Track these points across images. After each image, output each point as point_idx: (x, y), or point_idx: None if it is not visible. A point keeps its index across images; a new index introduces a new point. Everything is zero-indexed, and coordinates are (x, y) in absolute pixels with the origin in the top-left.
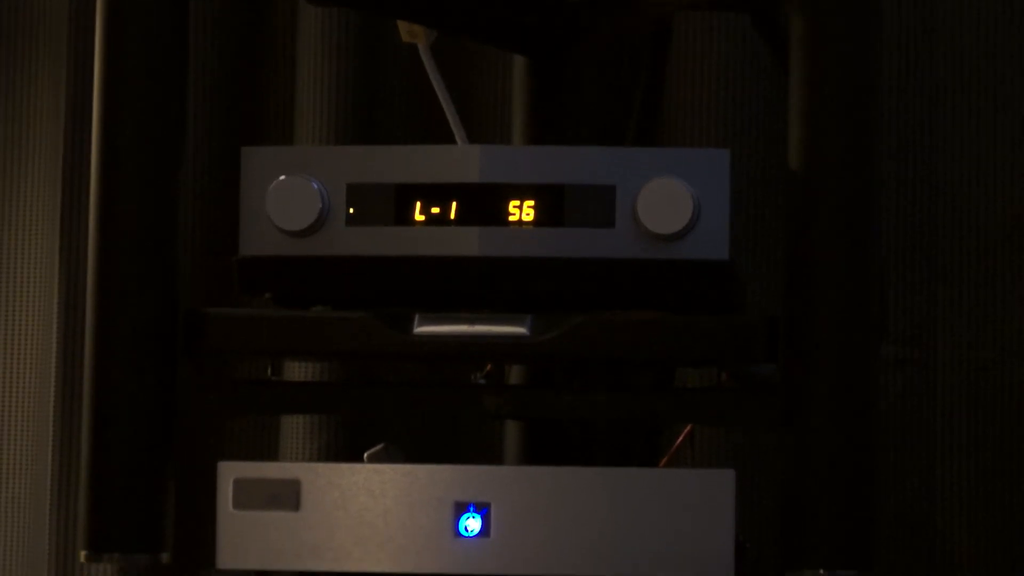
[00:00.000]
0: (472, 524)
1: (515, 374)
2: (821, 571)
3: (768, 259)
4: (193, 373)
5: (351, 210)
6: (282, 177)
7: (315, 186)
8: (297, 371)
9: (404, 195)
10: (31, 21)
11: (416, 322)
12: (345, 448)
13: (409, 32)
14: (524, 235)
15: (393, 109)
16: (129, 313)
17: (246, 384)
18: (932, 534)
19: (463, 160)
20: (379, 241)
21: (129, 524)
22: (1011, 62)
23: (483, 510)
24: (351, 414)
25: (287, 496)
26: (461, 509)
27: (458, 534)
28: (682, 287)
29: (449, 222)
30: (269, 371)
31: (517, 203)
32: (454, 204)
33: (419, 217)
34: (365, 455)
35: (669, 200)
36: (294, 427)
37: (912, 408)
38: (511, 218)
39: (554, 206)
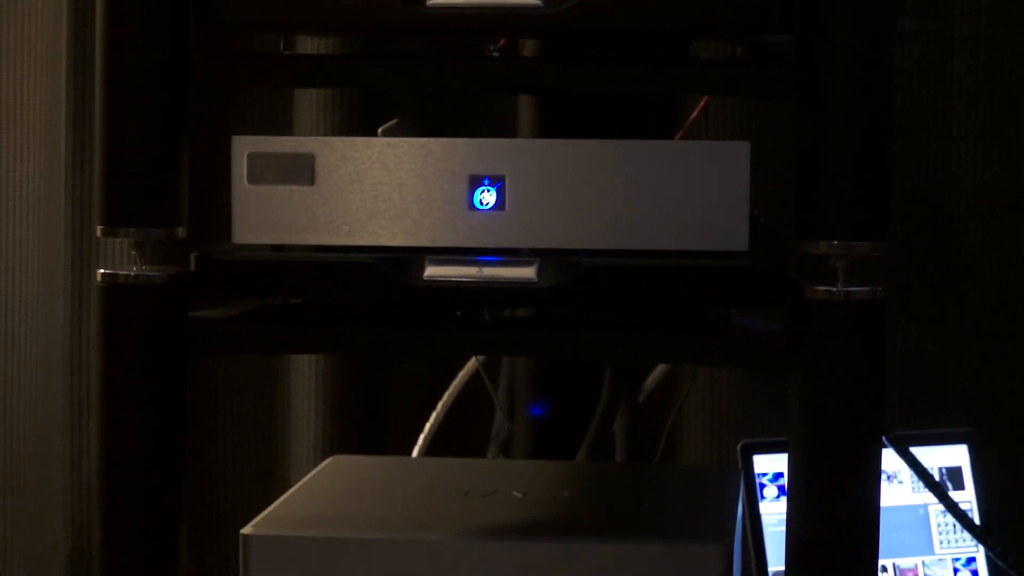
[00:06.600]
0: (487, 197)
1: (528, 48)
2: (835, 242)
3: None
4: (205, 45)
5: None
6: None
7: None
8: (309, 49)
9: None
10: None
11: None
12: (359, 125)
13: None
14: None
15: None
16: None
17: (258, 56)
18: (946, 210)
19: None
20: None
21: (144, 198)
22: None
23: (498, 183)
24: (364, 87)
25: (301, 170)
26: (476, 182)
27: (473, 207)
28: None
29: None
30: (282, 46)
31: None
32: None
33: None
34: (379, 130)
35: None
36: (308, 103)
37: (928, 82)
38: None
39: None
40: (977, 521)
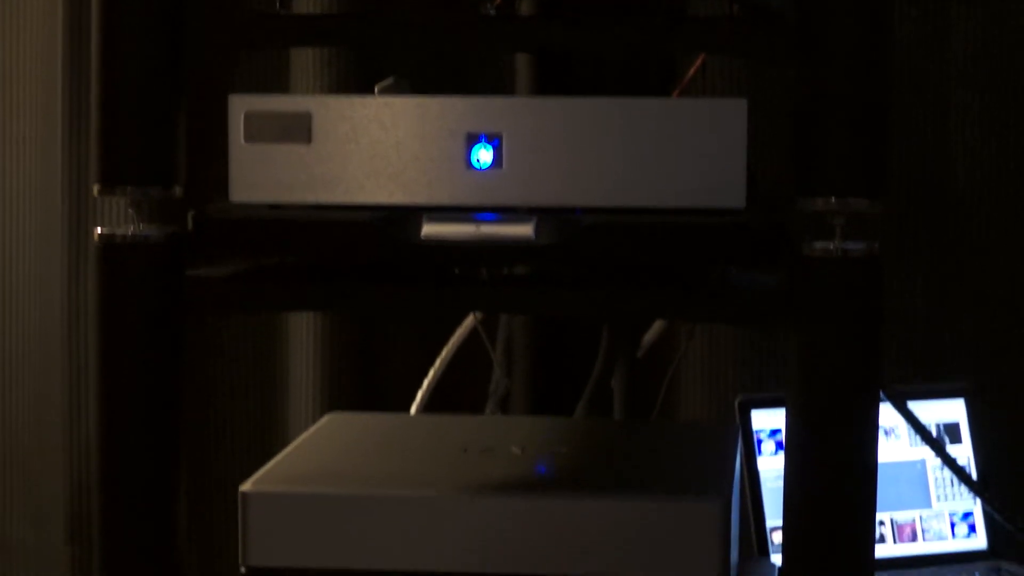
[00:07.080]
0: (484, 155)
1: (526, 7)
2: (832, 198)
3: None
4: (202, 3)
5: None
6: None
7: None
8: (305, 8)
9: None
10: None
11: None
12: (356, 83)
13: None
14: None
15: None
16: None
17: (255, 15)
18: (944, 168)
19: None
20: None
21: (141, 156)
22: None
23: (495, 141)
24: (360, 46)
25: (298, 129)
26: (473, 140)
27: (470, 165)
28: None
29: None
30: (278, 5)
31: None
32: None
33: None
34: (376, 88)
35: None
36: (304, 62)
37: (926, 43)
38: None
39: None
40: (974, 475)
